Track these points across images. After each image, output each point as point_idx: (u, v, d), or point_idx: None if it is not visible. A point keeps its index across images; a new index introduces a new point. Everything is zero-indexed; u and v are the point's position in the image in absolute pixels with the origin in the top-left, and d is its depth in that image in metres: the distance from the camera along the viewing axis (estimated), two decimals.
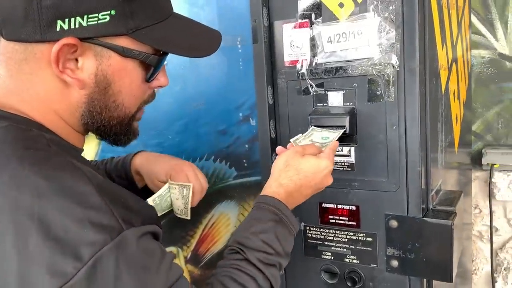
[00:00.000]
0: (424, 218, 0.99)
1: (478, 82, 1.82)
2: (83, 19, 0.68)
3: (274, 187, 0.89)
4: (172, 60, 1.18)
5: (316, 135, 0.99)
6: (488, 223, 1.82)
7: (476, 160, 1.83)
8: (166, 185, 1.03)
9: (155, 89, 0.86)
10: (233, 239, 0.84)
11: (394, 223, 1.02)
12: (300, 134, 1.00)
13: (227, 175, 1.19)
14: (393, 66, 0.97)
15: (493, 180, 1.79)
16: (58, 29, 0.68)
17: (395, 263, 1.03)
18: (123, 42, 0.73)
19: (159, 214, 1.05)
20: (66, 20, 0.68)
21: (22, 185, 0.61)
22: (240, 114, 1.14)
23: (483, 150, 1.80)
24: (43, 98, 0.74)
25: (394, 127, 0.99)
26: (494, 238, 1.85)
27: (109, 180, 0.74)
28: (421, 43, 0.96)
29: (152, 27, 0.75)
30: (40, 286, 0.57)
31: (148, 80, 0.80)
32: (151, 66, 0.78)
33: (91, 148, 1.40)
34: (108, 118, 0.78)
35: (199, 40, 0.84)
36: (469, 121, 1.72)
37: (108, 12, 0.70)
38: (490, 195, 1.79)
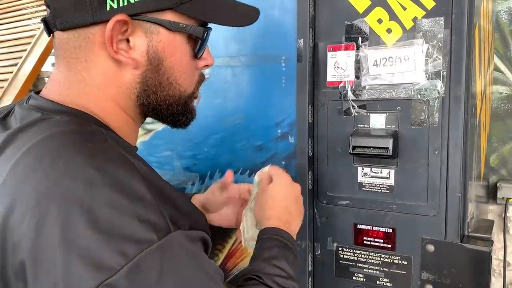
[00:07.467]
0: (463, 244, 1.00)
1: (495, 117, 1.85)
2: None
3: (273, 219, 0.93)
4: (214, 74, 1.20)
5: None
6: (500, 257, 1.83)
7: (490, 194, 1.85)
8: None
9: (203, 70, 0.88)
10: (246, 270, 0.84)
11: (431, 248, 1.03)
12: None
13: None
14: (439, 92, 0.99)
15: (507, 214, 1.81)
16: (108, 8, 0.70)
17: (429, 287, 1.03)
18: (170, 16, 0.75)
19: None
20: None
21: (75, 174, 0.60)
22: (279, 131, 1.14)
23: (498, 184, 1.82)
24: (100, 84, 0.75)
25: (437, 152, 1.01)
26: (506, 272, 1.85)
27: (162, 178, 0.73)
28: (467, 71, 0.99)
29: (194, 1, 0.77)
30: (82, 278, 0.56)
31: (196, 55, 0.81)
32: (197, 41, 0.80)
33: None
34: (164, 97, 0.79)
35: (238, 12, 0.86)
36: (487, 154, 1.75)
37: None
38: (505, 229, 1.80)
